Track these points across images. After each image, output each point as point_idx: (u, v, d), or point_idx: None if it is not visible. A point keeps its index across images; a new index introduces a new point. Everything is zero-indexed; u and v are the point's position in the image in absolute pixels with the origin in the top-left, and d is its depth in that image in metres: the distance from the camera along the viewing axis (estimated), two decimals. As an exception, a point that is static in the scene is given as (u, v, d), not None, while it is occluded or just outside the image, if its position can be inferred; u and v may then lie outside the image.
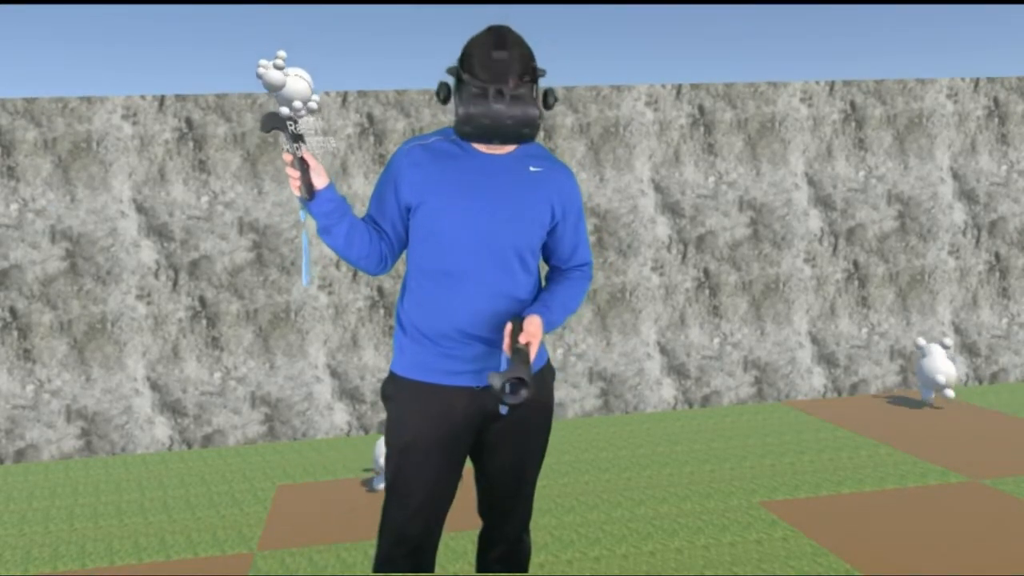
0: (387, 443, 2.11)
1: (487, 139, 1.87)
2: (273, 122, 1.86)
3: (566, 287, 2.15)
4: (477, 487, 2.26)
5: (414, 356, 2.07)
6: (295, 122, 1.89)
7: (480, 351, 2.07)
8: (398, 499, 2.07)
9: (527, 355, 1.83)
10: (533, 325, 1.93)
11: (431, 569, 2.12)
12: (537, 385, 2.14)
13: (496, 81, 1.85)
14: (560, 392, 6.62)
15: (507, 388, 1.80)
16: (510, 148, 2.06)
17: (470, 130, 1.85)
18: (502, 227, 2.02)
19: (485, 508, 2.27)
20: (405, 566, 2.08)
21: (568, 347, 6.71)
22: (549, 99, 1.91)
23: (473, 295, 2.02)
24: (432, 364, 2.05)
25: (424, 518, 2.07)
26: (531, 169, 2.07)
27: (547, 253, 2.22)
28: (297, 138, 1.89)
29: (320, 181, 1.96)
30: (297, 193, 1.91)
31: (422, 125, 6.34)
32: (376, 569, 2.11)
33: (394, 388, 2.10)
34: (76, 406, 5.99)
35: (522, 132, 1.87)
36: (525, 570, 2.35)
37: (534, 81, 1.90)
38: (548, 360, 2.21)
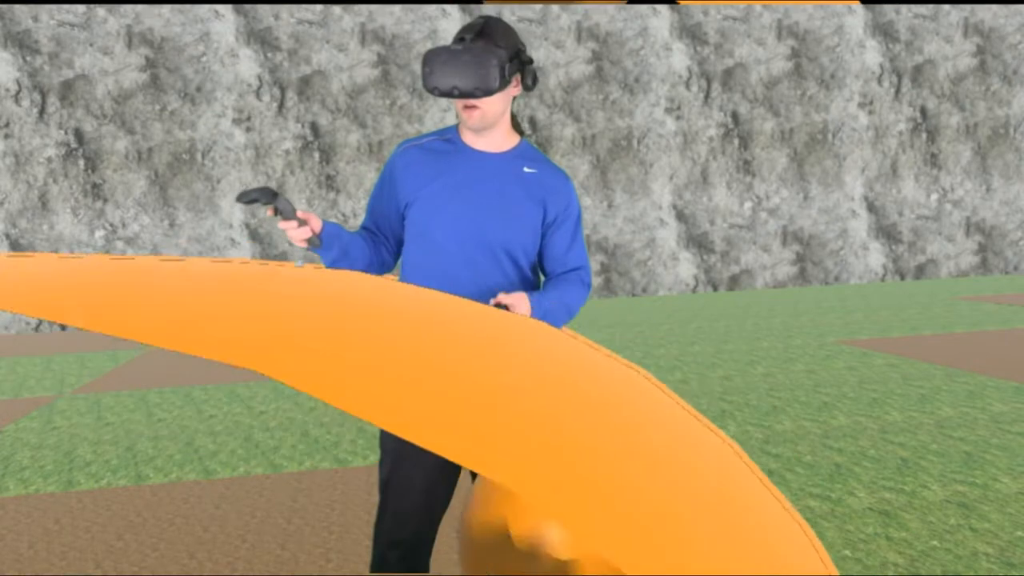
0: (381, 445, 2.26)
1: (444, 81, 2.07)
2: (255, 196, 1.98)
3: (561, 286, 2.25)
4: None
5: None
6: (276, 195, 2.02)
7: None
8: (392, 502, 2.20)
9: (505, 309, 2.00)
10: (515, 296, 2.06)
11: (426, 570, 2.26)
12: None
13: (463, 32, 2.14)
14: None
15: None
16: (506, 148, 2.25)
17: (428, 70, 2.07)
18: (493, 226, 2.18)
19: None
20: (400, 568, 2.22)
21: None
22: (527, 79, 2.18)
23: (466, 294, 2.18)
24: None
25: (418, 520, 2.20)
26: (525, 170, 2.23)
27: (541, 259, 2.34)
28: (286, 205, 2.04)
29: (317, 226, 2.11)
30: (304, 245, 2.10)
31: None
32: (372, 570, 2.25)
33: None
34: None
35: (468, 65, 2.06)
36: None
37: (511, 57, 2.12)
38: None
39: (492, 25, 2.15)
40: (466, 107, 2.14)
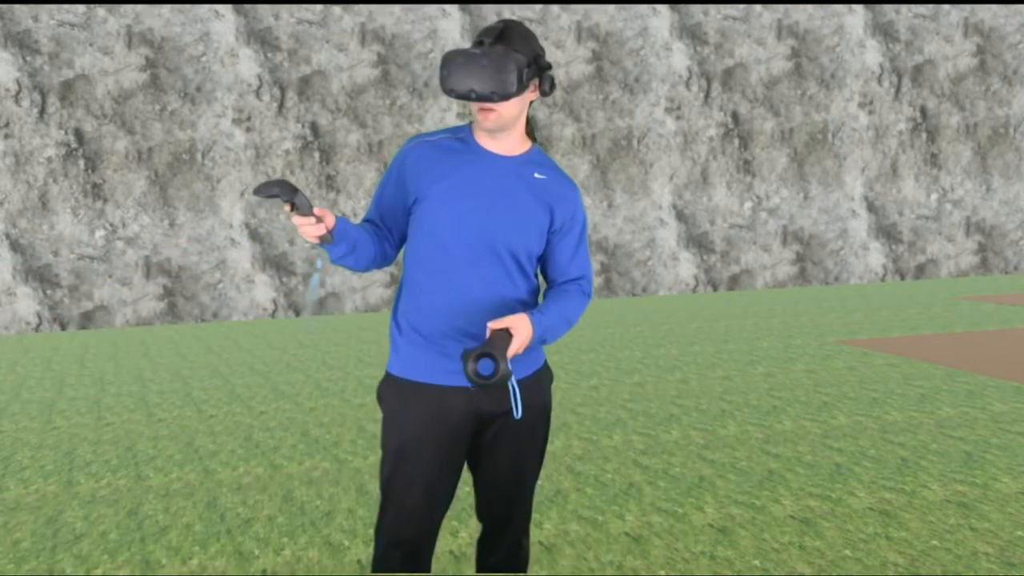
0: (382, 444, 2.26)
1: (462, 83, 2.09)
2: (275, 191, 2.01)
3: (562, 299, 2.28)
4: (475, 491, 2.42)
5: (409, 356, 2.25)
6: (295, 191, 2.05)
7: None
8: (394, 501, 2.22)
9: (504, 334, 2.02)
10: (516, 319, 2.07)
11: (427, 570, 2.29)
12: (533, 388, 2.31)
13: (482, 35, 2.17)
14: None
15: (478, 365, 1.99)
16: (518, 152, 2.28)
17: (446, 73, 2.10)
18: (501, 228, 2.20)
19: (483, 512, 2.41)
20: (401, 567, 2.24)
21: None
22: (545, 84, 2.20)
23: (470, 293, 2.20)
24: (427, 363, 2.23)
25: (420, 520, 2.23)
26: (535, 175, 2.26)
27: (544, 266, 2.38)
28: (303, 201, 2.05)
29: (331, 222, 2.12)
30: (316, 241, 2.10)
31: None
32: (373, 570, 2.26)
33: (388, 388, 2.27)
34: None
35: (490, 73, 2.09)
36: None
37: (530, 62, 2.15)
38: (545, 362, 2.39)
39: (512, 29, 2.17)
40: (482, 109, 2.15)
